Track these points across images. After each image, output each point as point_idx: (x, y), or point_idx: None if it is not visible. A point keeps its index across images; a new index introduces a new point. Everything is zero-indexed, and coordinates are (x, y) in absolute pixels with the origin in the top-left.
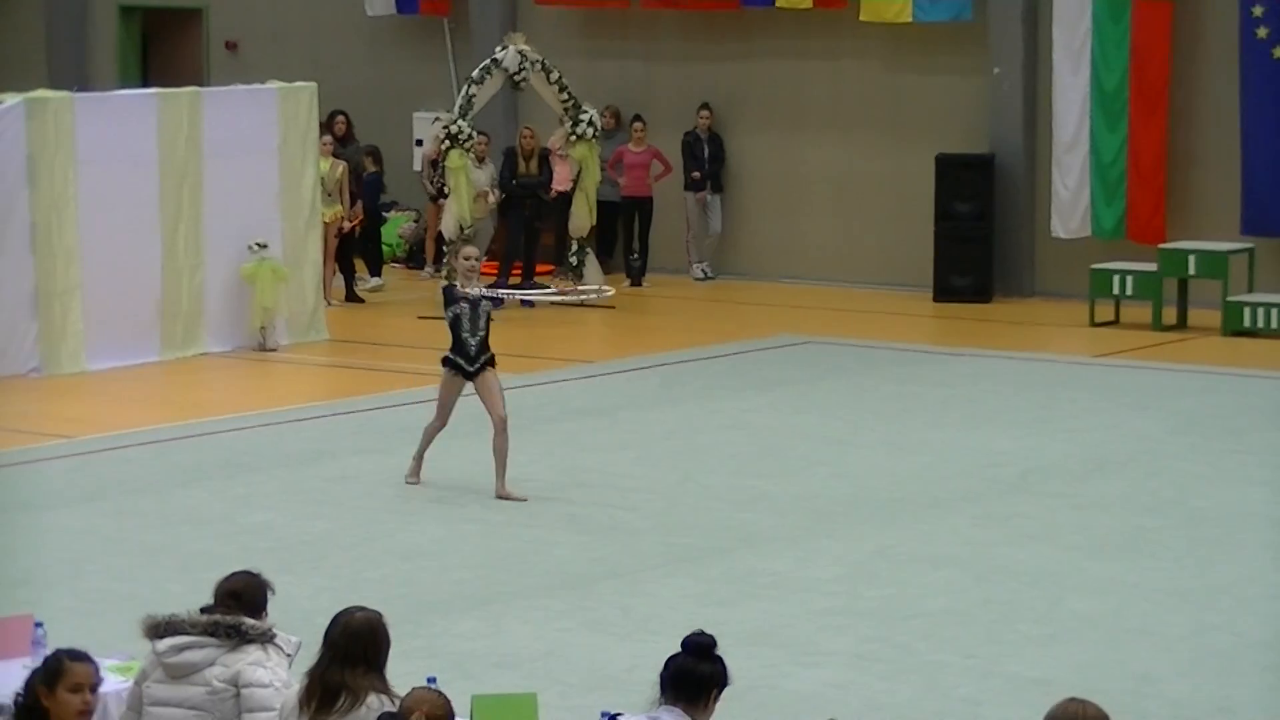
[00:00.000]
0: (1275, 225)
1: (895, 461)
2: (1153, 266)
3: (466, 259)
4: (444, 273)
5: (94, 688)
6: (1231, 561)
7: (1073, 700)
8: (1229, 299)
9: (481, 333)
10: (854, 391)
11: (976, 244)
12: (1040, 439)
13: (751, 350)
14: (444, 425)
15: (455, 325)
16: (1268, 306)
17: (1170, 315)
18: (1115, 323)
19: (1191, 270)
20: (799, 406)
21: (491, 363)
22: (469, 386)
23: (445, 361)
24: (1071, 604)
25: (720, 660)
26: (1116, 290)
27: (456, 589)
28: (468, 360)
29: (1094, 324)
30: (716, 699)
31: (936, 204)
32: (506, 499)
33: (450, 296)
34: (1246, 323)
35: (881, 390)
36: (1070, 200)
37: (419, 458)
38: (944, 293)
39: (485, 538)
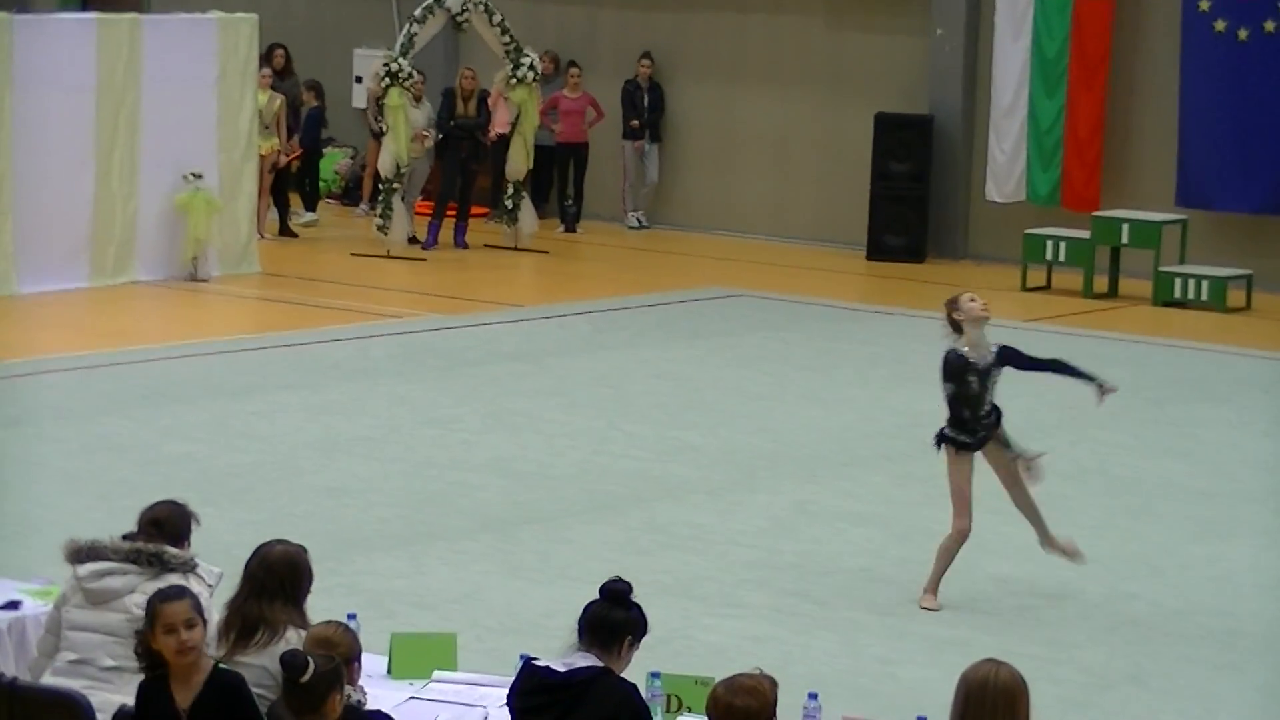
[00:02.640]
0: (1209, 197)
1: (820, 418)
2: (1086, 234)
3: (974, 301)
4: (379, 211)
5: (189, 624)
6: (1150, 532)
7: (988, 661)
8: (1160, 269)
9: (990, 400)
10: (783, 346)
11: (911, 204)
12: None
13: (682, 301)
14: (969, 527)
15: (953, 403)
16: (1198, 278)
17: (1101, 283)
18: (1046, 288)
19: (1124, 239)
20: (727, 359)
21: (998, 421)
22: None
23: (941, 439)
24: (989, 567)
25: (636, 608)
26: (1049, 256)
27: (379, 528)
28: (971, 435)
29: (1025, 289)
30: (633, 646)
31: (873, 163)
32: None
33: (948, 368)
34: (1177, 293)
35: (810, 346)
36: (1006, 165)
37: (937, 580)
38: (877, 251)
39: (409, 478)
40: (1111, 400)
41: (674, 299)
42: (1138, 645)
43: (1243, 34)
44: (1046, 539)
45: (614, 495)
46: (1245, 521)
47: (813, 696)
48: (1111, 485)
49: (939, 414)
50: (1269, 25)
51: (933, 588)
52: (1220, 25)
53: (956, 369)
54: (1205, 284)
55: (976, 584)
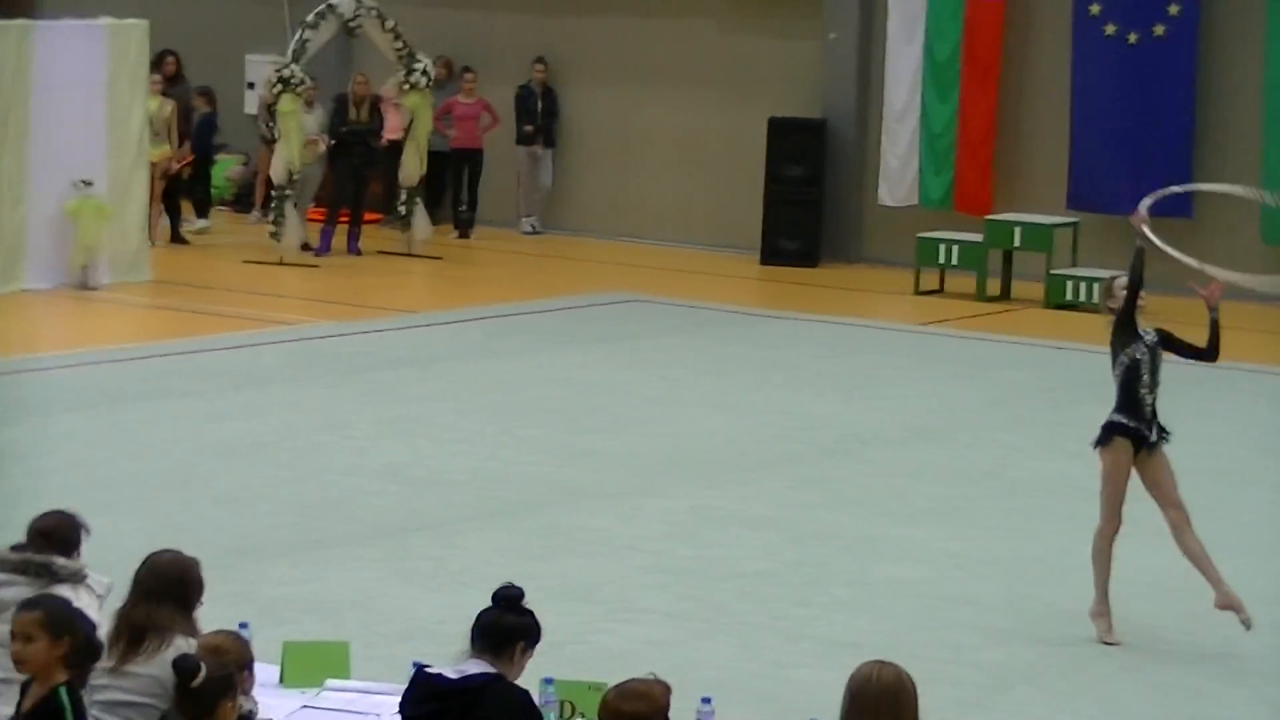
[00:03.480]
0: (1100, 200)
1: (717, 422)
2: (978, 237)
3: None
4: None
5: (26, 637)
6: (1046, 532)
7: (873, 662)
8: (1052, 272)
9: (1159, 387)
10: (679, 351)
11: (805, 208)
12: (861, 405)
13: (578, 306)
14: (1120, 525)
15: (1131, 376)
16: (1090, 280)
17: (994, 286)
18: (940, 292)
19: (1016, 242)
20: (624, 364)
21: (1164, 432)
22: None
23: (1113, 429)
24: (885, 570)
25: (529, 613)
26: (942, 259)
27: (273, 535)
28: (1146, 424)
29: (919, 292)
30: (526, 652)
31: (767, 167)
32: (1231, 608)
33: (1128, 336)
34: (1069, 296)
35: (706, 350)
36: (899, 169)
37: (1104, 594)
38: (772, 256)
39: (303, 485)
40: (1007, 402)
41: (569, 304)
42: (1035, 646)
43: (1133, 38)
44: (1216, 586)
45: (510, 501)
46: (1140, 522)
47: (706, 701)
48: (1008, 487)
49: (833, 418)
50: (1159, 29)
51: (1103, 603)
52: (1111, 29)
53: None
54: (1097, 286)
55: (872, 586)
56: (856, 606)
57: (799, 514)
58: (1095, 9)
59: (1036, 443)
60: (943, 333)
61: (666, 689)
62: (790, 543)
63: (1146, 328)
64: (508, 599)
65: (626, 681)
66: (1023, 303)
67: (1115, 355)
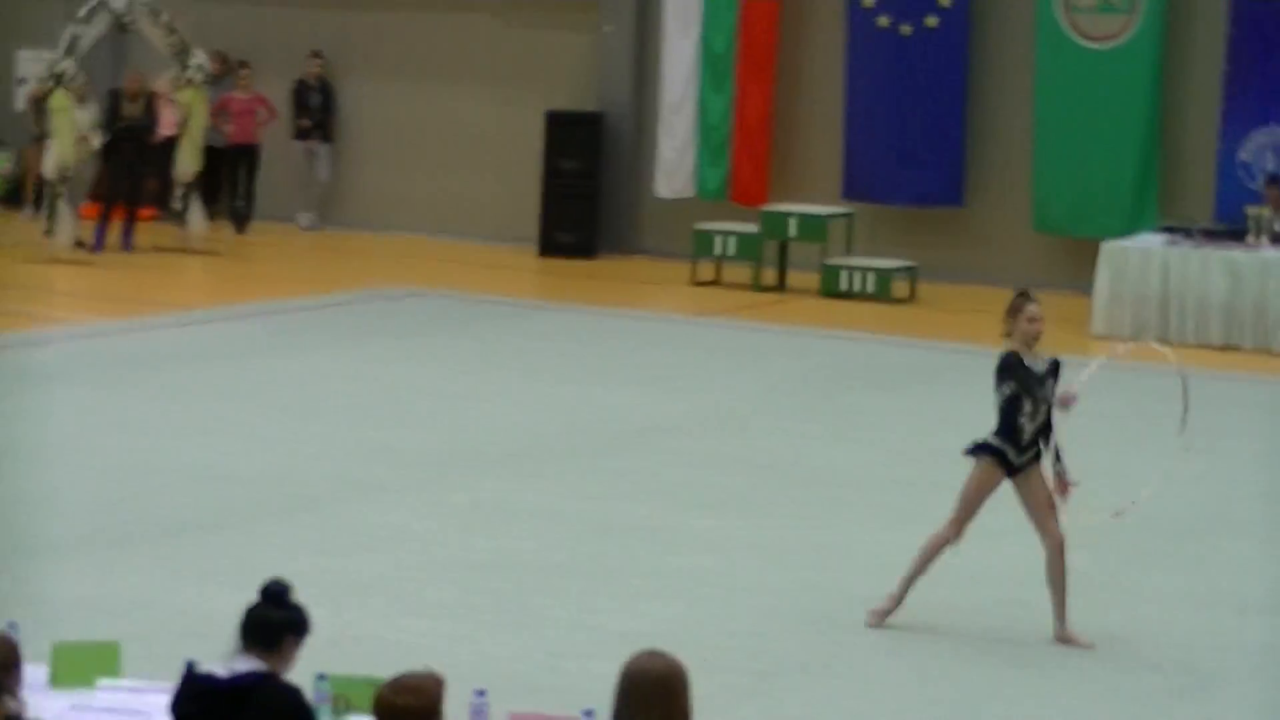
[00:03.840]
0: (874, 190)
1: (503, 415)
2: (754, 228)
3: (1032, 321)
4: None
5: None
6: (833, 521)
7: (646, 652)
8: (827, 262)
9: (1041, 418)
10: (463, 344)
11: (583, 201)
12: (642, 397)
13: (358, 301)
14: (960, 536)
15: (1013, 405)
16: (864, 270)
17: (770, 276)
18: (716, 283)
19: (792, 233)
20: (407, 358)
21: (1037, 457)
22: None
23: (983, 449)
24: (677, 560)
25: (295, 607)
26: (718, 250)
27: (64, 535)
28: (1017, 451)
29: (696, 283)
30: (296, 645)
31: (545, 160)
32: (1069, 642)
33: (1012, 368)
34: (843, 285)
35: (487, 344)
36: (675, 160)
37: (906, 586)
38: (550, 248)
39: (93, 485)
40: (784, 391)
41: (351, 299)
42: (826, 634)
43: (905, 29)
44: (1058, 620)
45: (305, 497)
46: (926, 509)
47: (480, 693)
48: (791, 475)
49: (621, 409)
50: (931, 20)
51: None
52: (884, 20)
53: (1012, 367)
54: (871, 276)
55: (665, 576)
56: (651, 597)
57: (592, 506)
58: (868, 1)
59: (816, 431)
60: (720, 323)
61: (439, 682)
62: (580, 535)
63: (1040, 359)
64: (273, 593)
65: (400, 675)
66: (798, 292)
67: (1000, 382)
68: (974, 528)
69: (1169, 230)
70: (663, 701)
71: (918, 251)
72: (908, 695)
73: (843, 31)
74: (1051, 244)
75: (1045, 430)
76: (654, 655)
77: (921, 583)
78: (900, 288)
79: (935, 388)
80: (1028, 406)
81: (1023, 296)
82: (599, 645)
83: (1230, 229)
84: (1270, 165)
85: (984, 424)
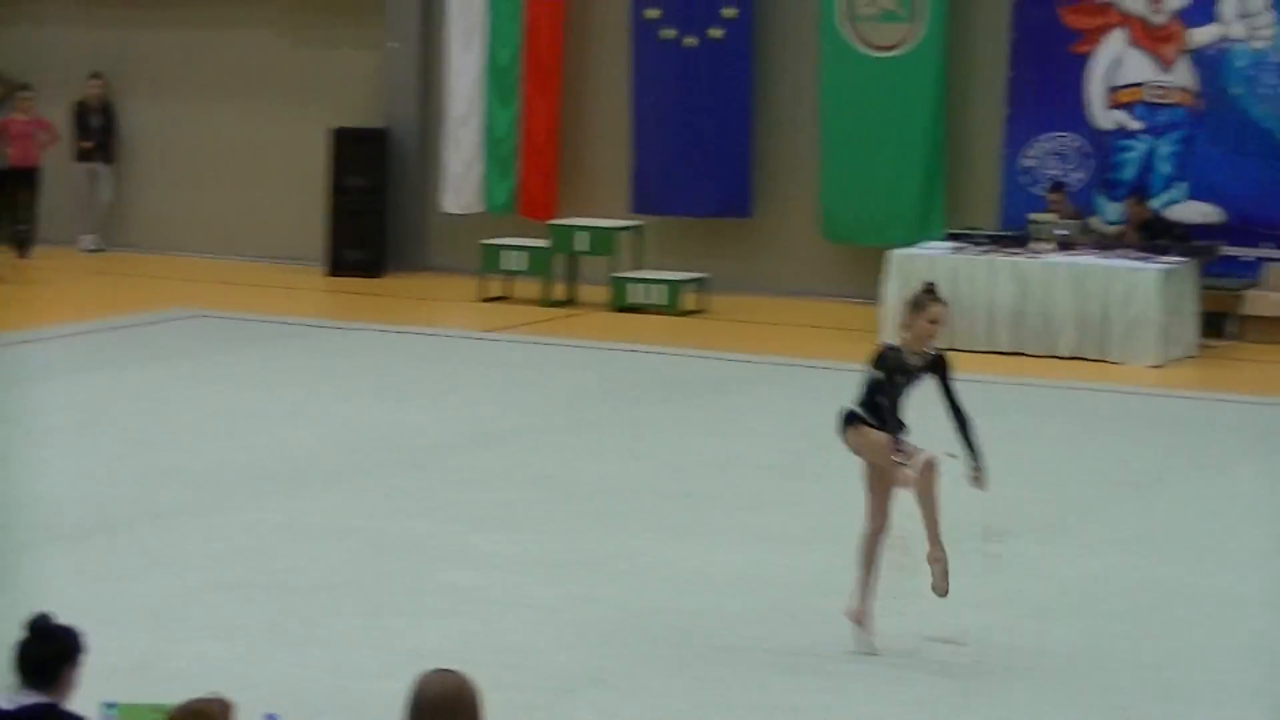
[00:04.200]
0: (663, 203)
1: (288, 435)
2: (544, 242)
3: (933, 323)
4: None
5: None
6: (611, 535)
7: (436, 670)
8: (617, 275)
9: (900, 409)
10: (250, 365)
11: (370, 218)
12: (430, 413)
13: (144, 324)
14: (884, 524)
15: (874, 389)
16: (654, 282)
17: (560, 291)
18: (506, 298)
19: (581, 246)
20: (196, 379)
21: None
22: None
23: (850, 418)
24: (455, 576)
25: (63, 636)
26: (507, 266)
27: None
28: (878, 423)
29: (485, 299)
30: (72, 670)
31: (331, 177)
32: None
33: (885, 359)
34: (633, 298)
35: (275, 364)
36: (463, 175)
37: (864, 592)
38: (337, 266)
39: None
40: (571, 406)
41: (136, 322)
42: (599, 648)
43: (690, 41)
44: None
45: (94, 521)
46: (702, 520)
47: (271, 717)
48: (571, 490)
49: (406, 427)
50: (715, 32)
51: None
52: (668, 32)
53: (892, 363)
54: (661, 288)
55: (444, 593)
56: (430, 614)
57: (377, 524)
58: (652, 13)
59: (601, 445)
60: (509, 338)
61: (228, 706)
62: (370, 553)
63: (922, 355)
64: (39, 629)
65: (188, 702)
66: (588, 306)
67: (871, 366)
68: (744, 537)
69: (955, 237)
70: (453, 718)
71: (707, 263)
72: (700, 707)
73: (628, 44)
74: (840, 253)
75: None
76: (444, 673)
77: (692, 592)
78: (690, 300)
79: (725, 399)
80: (886, 398)
81: (929, 294)
82: (389, 664)
83: (1015, 235)
84: (1054, 172)
85: (772, 433)
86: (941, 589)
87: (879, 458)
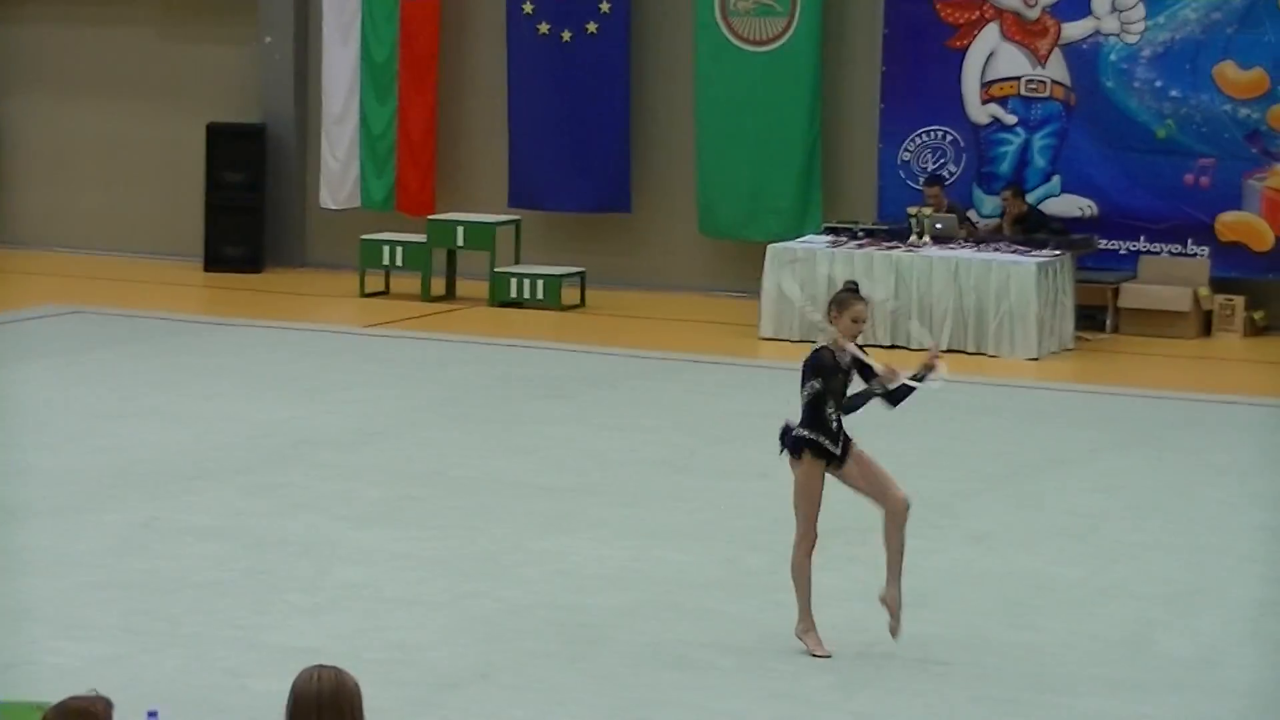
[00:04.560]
0: (541, 198)
1: (165, 433)
2: (422, 238)
3: (856, 321)
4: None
5: None
6: (494, 530)
7: (314, 667)
8: (496, 270)
9: (842, 408)
10: (124, 362)
11: (247, 214)
12: (310, 409)
13: (16, 321)
14: (816, 539)
15: (818, 400)
16: (533, 277)
17: (440, 286)
18: (386, 293)
19: (460, 241)
20: (66, 378)
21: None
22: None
23: (799, 444)
24: (337, 574)
25: None
26: (386, 261)
27: None
28: (832, 440)
29: (364, 295)
30: None
31: (208, 174)
32: (891, 608)
33: (821, 366)
34: (513, 293)
35: (152, 361)
36: (340, 171)
37: (807, 609)
38: (216, 262)
39: None
40: (452, 401)
41: (8, 319)
42: (485, 643)
43: (566, 35)
44: (891, 582)
45: None
46: (585, 515)
47: (152, 715)
48: (454, 485)
49: (283, 424)
50: (591, 26)
51: (807, 619)
52: (544, 27)
53: (829, 366)
54: (540, 283)
55: (325, 591)
56: (310, 612)
57: (251, 521)
58: (528, 8)
59: (481, 440)
60: (388, 334)
61: (108, 705)
62: (243, 550)
63: (843, 348)
64: None
65: (67, 700)
66: (468, 301)
67: (806, 379)
68: (628, 531)
69: (832, 231)
70: (333, 716)
71: (587, 258)
72: (587, 702)
73: (504, 39)
74: (718, 248)
75: (851, 409)
76: (323, 670)
77: (578, 587)
78: (570, 294)
79: (606, 393)
80: (831, 404)
81: (851, 292)
82: (268, 662)
83: (893, 229)
84: (930, 165)
85: (654, 427)
86: (897, 631)
87: (801, 503)
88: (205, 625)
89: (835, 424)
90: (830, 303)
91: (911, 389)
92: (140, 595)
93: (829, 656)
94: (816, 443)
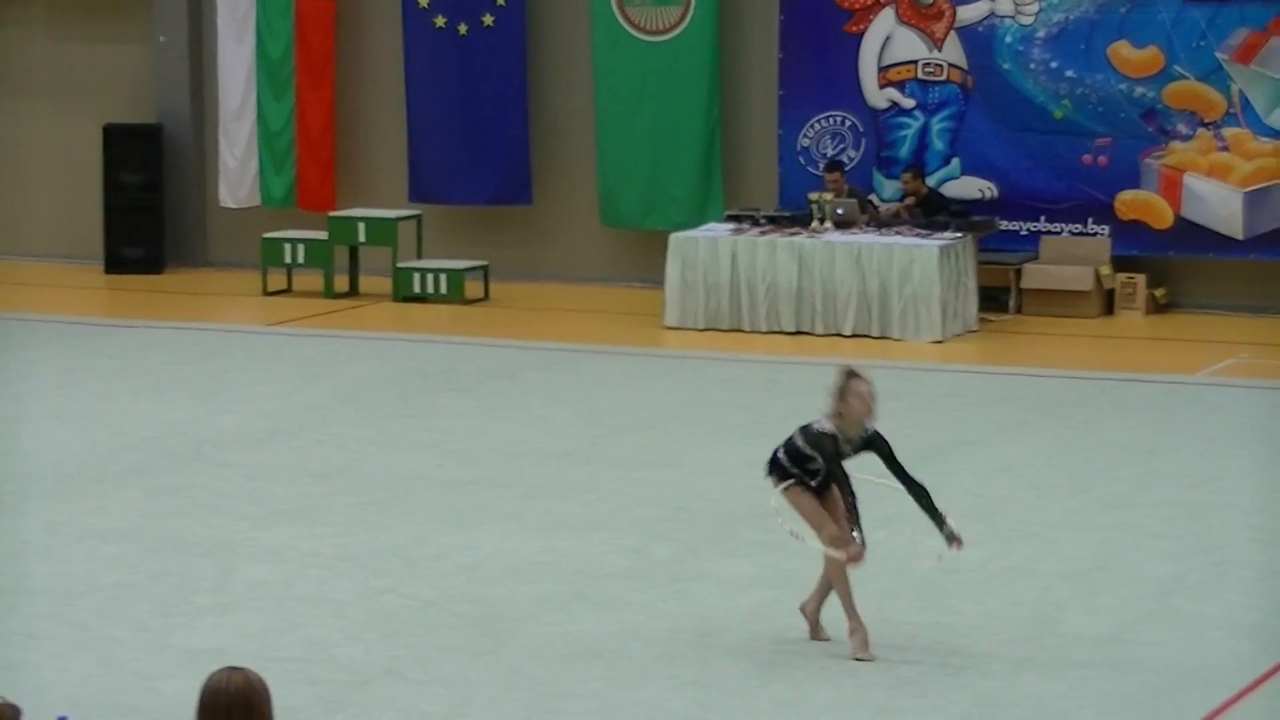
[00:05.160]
0: (441, 191)
1: (66, 436)
2: (324, 235)
3: (861, 399)
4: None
5: None
6: (400, 525)
7: (223, 668)
8: (399, 265)
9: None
10: (22, 366)
11: (146, 214)
12: (213, 409)
13: None
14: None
15: (809, 465)
16: (435, 272)
17: (342, 283)
18: (288, 291)
19: (362, 238)
20: None
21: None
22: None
23: (787, 476)
24: (244, 573)
25: None
26: (288, 259)
27: None
28: (811, 477)
29: (266, 293)
30: None
31: (105, 174)
32: (814, 623)
33: (829, 453)
34: (416, 288)
35: (51, 364)
36: (239, 169)
37: (853, 609)
38: (115, 264)
39: None
40: (357, 397)
41: None
42: (393, 639)
43: (463, 28)
44: (816, 599)
45: None
46: (491, 508)
47: (63, 719)
48: (360, 481)
49: (186, 424)
50: (488, 19)
51: (854, 619)
52: (440, 21)
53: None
54: (444, 277)
55: (232, 591)
56: (217, 612)
57: (155, 523)
58: (424, 1)
59: (386, 436)
60: (292, 332)
61: (17, 710)
62: (147, 553)
63: (855, 437)
64: None
65: None
66: (371, 297)
67: (810, 449)
68: (535, 523)
69: (734, 219)
70: (244, 717)
71: (489, 251)
72: (497, 695)
73: (400, 32)
74: (620, 238)
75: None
76: (232, 670)
77: (485, 580)
78: (473, 288)
79: (508, 386)
80: (818, 478)
81: (850, 375)
82: (177, 664)
83: (794, 215)
84: (830, 150)
85: (559, 419)
86: (866, 657)
87: (809, 518)
88: (112, 629)
89: (819, 475)
90: (831, 394)
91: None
92: (46, 600)
93: (872, 660)
94: (790, 470)
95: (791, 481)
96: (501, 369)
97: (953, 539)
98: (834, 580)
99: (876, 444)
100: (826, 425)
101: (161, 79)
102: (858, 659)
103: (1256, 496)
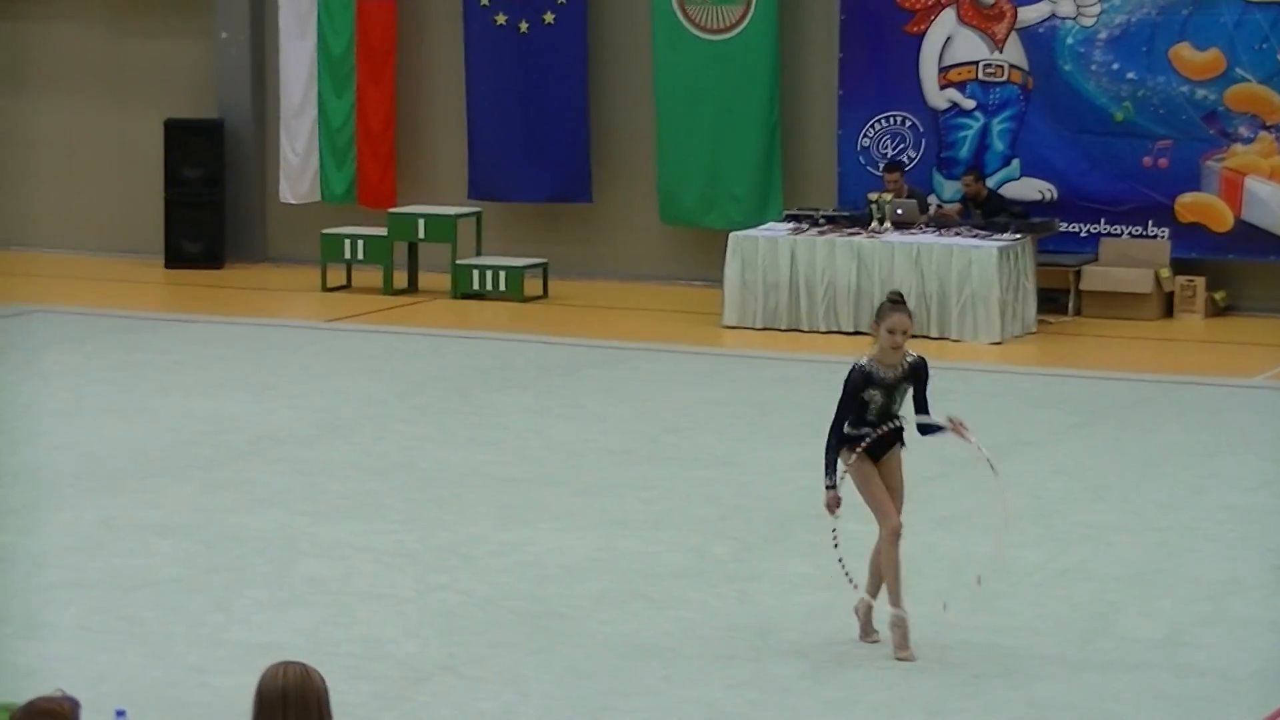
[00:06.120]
0: (501, 189)
1: (123, 430)
2: (383, 231)
3: (891, 333)
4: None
5: None
6: (457, 522)
7: (279, 663)
8: (458, 262)
9: (888, 408)
10: (81, 360)
11: (207, 210)
12: (272, 404)
13: None
14: (896, 526)
15: (843, 410)
16: (494, 269)
17: (401, 279)
18: (347, 287)
19: (421, 234)
20: (23, 376)
21: (894, 442)
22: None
23: (849, 441)
24: (301, 568)
25: None
26: (347, 255)
27: None
28: (871, 427)
29: (326, 289)
30: None
31: (166, 169)
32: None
33: (855, 383)
34: (475, 285)
35: (110, 358)
36: (300, 165)
37: (897, 599)
38: (175, 259)
39: None
40: (415, 394)
41: None
42: (450, 635)
43: (524, 26)
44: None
45: None
46: (548, 505)
47: (120, 713)
48: (418, 478)
49: (244, 419)
50: (548, 17)
51: (899, 605)
52: (501, 18)
53: (856, 383)
54: (502, 274)
55: (289, 586)
56: (274, 607)
57: (212, 518)
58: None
59: (444, 432)
60: (350, 328)
61: (76, 704)
62: (204, 547)
63: (898, 366)
64: None
65: (34, 700)
66: (430, 294)
67: (843, 389)
68: (593, 521)
69: (794, 218)
70: (300, 712)
71: (548, 249)
72: (553, 693)
73: (461, 30)
74: (680, 236)
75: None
76: (289, 666)
77: (542, 578)
78: (532, 285)
79: (566, 384)
80: (853, 418)
81: (891, 302)
82: (232, 659)
83: (853, 215)
84: (890, 151)
85: (618, 417)
86: (907, 656)
87: (869, 501)
88: (167, 623)
89: (873, 413)
90: (874, 320)
91: (940, 428)
92: (101, 594)
93: (914, 659)
94: (858, 439)
95: (854, 459)
96: (559, 366)
97: (954, 424)
98: (884, 568)
99: (919, 374)
100: (864, 358)
101: (223, 74)
102: (899, 659)
103: None
